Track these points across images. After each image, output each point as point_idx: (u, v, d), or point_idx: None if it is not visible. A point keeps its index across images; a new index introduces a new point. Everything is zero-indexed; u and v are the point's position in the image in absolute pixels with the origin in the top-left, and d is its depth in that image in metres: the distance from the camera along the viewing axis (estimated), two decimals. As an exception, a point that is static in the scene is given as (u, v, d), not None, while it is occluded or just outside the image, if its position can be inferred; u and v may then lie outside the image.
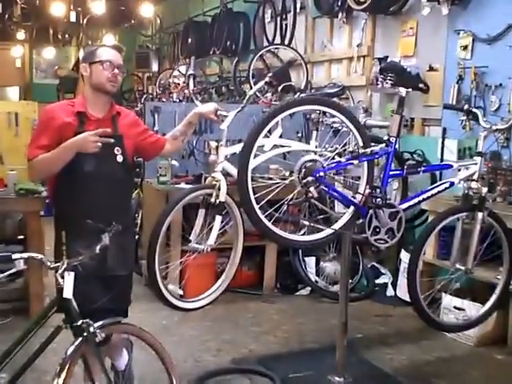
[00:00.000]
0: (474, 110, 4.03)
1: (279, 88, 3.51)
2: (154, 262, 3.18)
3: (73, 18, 9.40)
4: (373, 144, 3.41)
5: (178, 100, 7.41)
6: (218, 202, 3.24)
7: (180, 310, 3.48)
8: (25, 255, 2.64)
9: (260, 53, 7.38)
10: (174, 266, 3.92)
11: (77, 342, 2.59)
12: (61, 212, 3.04)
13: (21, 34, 12.49)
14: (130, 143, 3.08)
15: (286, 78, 3.56)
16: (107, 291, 2.88)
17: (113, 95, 3.07)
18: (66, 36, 12.37)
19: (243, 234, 3.49)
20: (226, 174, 3.32)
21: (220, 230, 3.29)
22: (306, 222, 3.51)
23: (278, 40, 7.67)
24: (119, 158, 3.00)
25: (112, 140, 2.89)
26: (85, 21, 11.11)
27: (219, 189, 3.22)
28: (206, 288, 3.53)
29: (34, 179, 3.59)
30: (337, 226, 3.38)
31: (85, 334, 2.58)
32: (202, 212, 3.34)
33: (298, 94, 5.93)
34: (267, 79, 3.43)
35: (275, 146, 3.33)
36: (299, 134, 5.75)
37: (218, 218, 3.28)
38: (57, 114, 2.93)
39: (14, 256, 2.57)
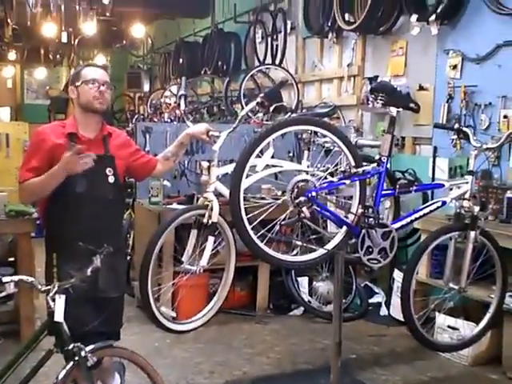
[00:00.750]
0: (465, 129, 4.04)
1: (271, 108, 3.50)
2: (147, 284, 3.15)
3: (64, 39, 9.40)
4: (364, 163, 3.41)
5: (169, 120, 7.43)
6: (210, 222, 3.22)
7: (173, 332, 3.44)
8: (15, 278, 2.62)
9: (251, 73, 7.41)
10: (167, 288, 3.89)
11: (68, 366, 2.56)
12: (52, 233, 3.03)
13: (12, 55, 12.53)
14: (121, 164, 3.08)
15: (278, 99, 3.56)
16: (99, 313, 2.86)
17: (103, 114, 3.07)
18: (58, 56, 12.41)
19: (235, 254, 3.47)
20: (218, 195, 3.31)
21: (212, 250, 3.27)
22: (299, 243, 3.48)
23: (268, 60, 7.72)
24: (111, 179, 3.00)
25: (94, 155, 2.84)
26: (76, 41, 11.14)
27: (212, 209, 3.21)
28: (199, 309, 3.50)
29: (24, 202, 3.58)
30: (330, 246, 3.37)
31: (76, 358, 2.55)
32: (194, 233, 3.32)
33: (289, 113, 5.96)
34: (259, 100, 3.43)
35: (267, 166, 3.33)
36: (290, 154, 5.76)
37: (211, 239, 3.26)
38: (47, 136, 2.93)
39: (4, 279, 2.55)
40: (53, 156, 2.88)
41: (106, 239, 2.77)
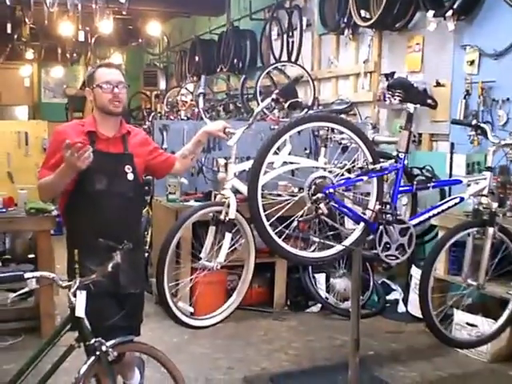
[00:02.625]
0: (483, 125, 4.03)
1: (286, 105, 3.51)
2: (163, 279, 3.18)
3: (81, 38, 9.44)
4: (382, 160, 3.41)
5: (185, 118, 7.46)
6: (227, 219, 3.24)
7: (190, 327, 3.47)
8: (37, 274, 2.65)
9: (267, 70, 7.43)
10: (184, 284, 3.92)
11: (89, 361, 2.59)
12: (73, 230, 3.06)
13: (29, 54, 12.62)
14: (140, 162, 3.10)
15: (293, 95, 3.57)
16: (120, 309, 2.89)
17: (120, 114, 3.08)
18: (75, 55, 12.49)
19: (255, 251, 3.49)
20: (236, 191, 3.33)
21: (230, 247, 3.29)
22: (316, 239, 3.50)
23: (284, 57, 7.73)
24: (130, 176, 3.02)
25: (90, 147, 2.78)
26: (93, 40, 11.22)
27: (229, 206, 3.23)
28: (217, 305, 3.52)
29: (42, 199, 3.55)
30: (347, 242, 3.38)
31: (97, 352, 2.58)
32: (212, 229, 3.34)
33: (306, 110, 5.97)
34: (274, 96, 3.44)
35: (285, 163, 3.35)
36: (307, 151, 5.76)
37: (228, 236, 3.28)
38: (68, 136, 2.95)
39: (27, 275, 2.58)
40: None
41: (125, 236, 2.80)
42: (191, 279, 3.77)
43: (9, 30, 9.86)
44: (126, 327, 2.90)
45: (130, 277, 2.97)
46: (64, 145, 2.74)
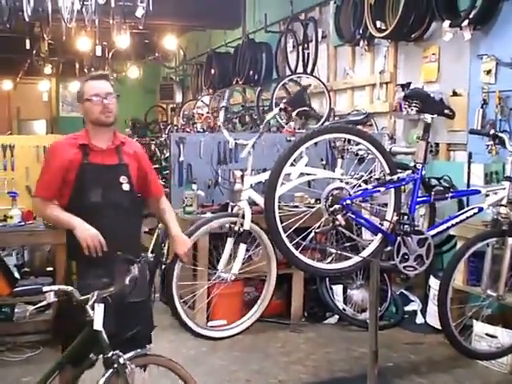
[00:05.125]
0: (500, 134, 4.01)
1: (294, 113, 3.54)
2: (172, 290, 3.18)
3: (98, 52, 9.54)
4: (399, 171, 3.41)
5: (202, 130, 7.50)
6: (242, 230, 3.25)
7: (208, 339, 3.47)
8: (55, 288, 2.66)
9: (282, 82, 7.44)
10: (201, 296, 3.93)
11: (107, 374, 2.60)
12: (70, 242, 2.99)
13: (48, 69, 12.76)
14: (134, 172, 3.07)
15: (302, 104, 3.59)
16: (122, 319, 2.82)
17: (112, 124, 3.06)
18: (92, 69, 12.60)
19: (276, 262, 3.48)
20: (252, 203, 3.33)
21: (249, 258, 3.30)
22: (334, 250, 3.49)
23: (300, 69, 7.74)
24: (125, 187, 3.00)
25: (100, 254, 2.86)
26: (110, 54, 11.34)
27: (243, 217, 3.24)
28: (233, 317, 3.53)
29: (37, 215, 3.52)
30: (365, 253, 3.36)
31: (115, 365, 2.58)
32: (230, 241, 3.35)
33: (322, 122, 5.97)
34: (282, 105, 3.47)
35: (301, 174, 3.35)
36: (323, 162, 5.75)
37: (242, 247, 3.29)
38: (60, 153, 2.98)
39: (45, 289, 2.60)
40: (67, 169, 2.93)
41: (124, 246, 2.81)
42: (208, 292, 3.78)
43: (27, 46, 9.99)
44: (134, 337, 2.85)
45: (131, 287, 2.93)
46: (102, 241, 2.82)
